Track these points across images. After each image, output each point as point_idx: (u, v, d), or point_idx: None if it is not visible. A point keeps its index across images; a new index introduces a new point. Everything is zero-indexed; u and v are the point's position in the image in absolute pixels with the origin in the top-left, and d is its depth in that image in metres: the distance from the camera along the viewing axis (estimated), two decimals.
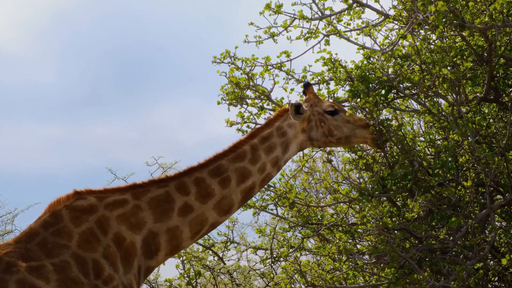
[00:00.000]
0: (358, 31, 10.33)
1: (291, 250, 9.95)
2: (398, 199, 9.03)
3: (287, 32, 10.23)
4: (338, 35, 10.27)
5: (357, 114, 8.99)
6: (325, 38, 10.22)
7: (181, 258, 11.39)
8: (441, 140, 9.19)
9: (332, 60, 9.38)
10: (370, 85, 8.82)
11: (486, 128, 8.87)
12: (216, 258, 12.55)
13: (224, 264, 12.57)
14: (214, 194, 7.43)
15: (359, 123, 8.06)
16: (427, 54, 8.72)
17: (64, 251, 6.68)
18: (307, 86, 8.10)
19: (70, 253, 6.69)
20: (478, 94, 9.31)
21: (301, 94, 8.18)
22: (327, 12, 10.29)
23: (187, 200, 7.32)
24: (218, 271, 12.10)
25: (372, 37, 10.21)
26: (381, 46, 9.64)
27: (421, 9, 8.66)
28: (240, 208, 7.86)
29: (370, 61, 9.30)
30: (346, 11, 10.29)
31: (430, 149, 9.06)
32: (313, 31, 10.21)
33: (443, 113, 9.18)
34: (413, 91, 9.20)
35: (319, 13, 10.29)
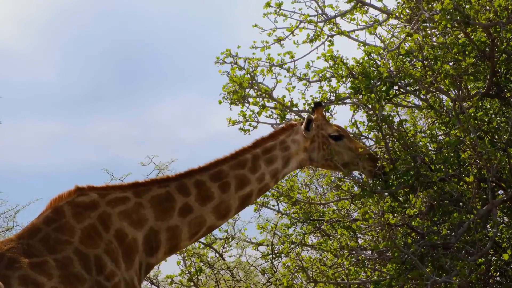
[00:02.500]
0: (362, 28, 10.31)
1: (292, 246, 9.96)
2: (400, 195, 9.03)
3: (293, 36, 10.20)
4: (342, 35, 10.25)
5: (360, 110, 8.99)
6: (329, 38, 10.19)
7: (182, 255, 11.40)
8: (443, 136, 9.20)
9: (334, 57, 9.39)
10: (372, 81, 8.82)
11: (488, 123, 8.87)
12: (217, 254, 12.55)
13: (224, 260, 12.57)
14: (214, 197, 7.50)
15: (359, 152, 8.09)
16: (429, 50, 8.72)
17: (66, 247, 6.70)
18: (317, 106, 8.12)
19: (73, 249, 6.70)
20: (480, 89, 9.31)
21: (311, 112, 8.20)
22: (329, 10, 10.26)
23: (187, 200, 7.38)
24: (219, 267, 12.11)
25: (376, 34, 10.20)
26: (384, 43, 9.64)
27: (424, 6, 8.66)
28: (236, 214, 7.93)
29: (371, 57, 9.29)
30: (350, 12, 10.28)
31: (432, 144, 9.06)
32: (319, 33, 10.17)
33: (445, 108, 9.18)
34: (415, 87, 9.20)
35: (323, 15, 10.26)
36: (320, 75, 9.65)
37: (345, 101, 9.40)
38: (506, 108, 9.37)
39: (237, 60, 9.80)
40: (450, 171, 8.65)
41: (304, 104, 9.58)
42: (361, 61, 9.20)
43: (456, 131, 8.59)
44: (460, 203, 8.62)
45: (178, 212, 7.34)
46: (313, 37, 10.12)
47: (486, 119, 8.87)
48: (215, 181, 7.55)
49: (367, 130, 9.00)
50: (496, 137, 8.84)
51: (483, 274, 8.76)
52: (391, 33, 10.24)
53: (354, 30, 10.35)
